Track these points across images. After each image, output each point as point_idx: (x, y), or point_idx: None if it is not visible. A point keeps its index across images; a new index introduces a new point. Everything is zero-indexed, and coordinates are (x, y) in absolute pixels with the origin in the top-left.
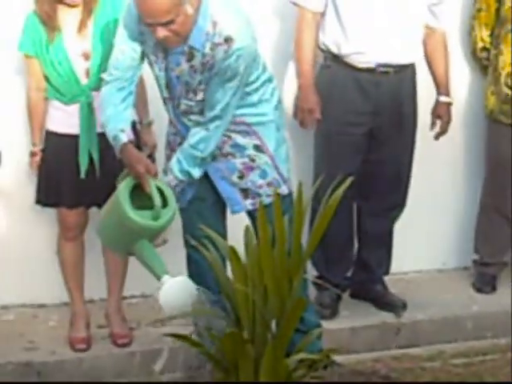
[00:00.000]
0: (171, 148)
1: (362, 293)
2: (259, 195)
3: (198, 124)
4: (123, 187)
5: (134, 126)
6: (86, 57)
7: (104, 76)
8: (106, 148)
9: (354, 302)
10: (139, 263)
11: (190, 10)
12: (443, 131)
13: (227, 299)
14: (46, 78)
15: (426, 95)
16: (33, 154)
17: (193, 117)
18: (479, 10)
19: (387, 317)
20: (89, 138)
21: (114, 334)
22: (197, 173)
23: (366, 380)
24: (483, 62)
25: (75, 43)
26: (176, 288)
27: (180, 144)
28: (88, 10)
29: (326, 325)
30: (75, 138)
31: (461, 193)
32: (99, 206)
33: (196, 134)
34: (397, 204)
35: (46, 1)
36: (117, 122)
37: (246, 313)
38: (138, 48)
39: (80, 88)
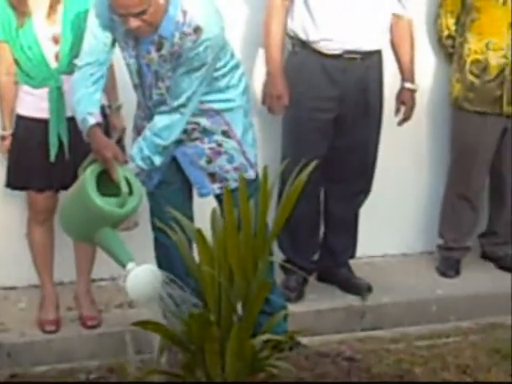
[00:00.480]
0: (138, 132)
1: (328, 276)
2: (226, 179)
3: (161, 112)
4: (89, 173)
5: (103, 109)
6: (56, 41)
7: (76, 61)
8: (76, 132)
9: (321, 286)
10: None
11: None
12: (407, 117)
13: (194, 281)
14: (16, 63)
15: (391, 82)
16: (3, 138)
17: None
18: None
19: (353, 300)
20: (58, 121)
21: (84, 316)
22: (158, 160)
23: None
24: (448, 50)
25: (45, 27)
26: (142, 276)
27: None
28: None
29: (293, 307)
30: (45, 122)
31: (425, 179)
32: (68, 189)
33: (159, 122)
34: (362, 189)
35: None
36: (86, 105)
37: (212, 295)
38: (109, 35)
39: (49, 72)
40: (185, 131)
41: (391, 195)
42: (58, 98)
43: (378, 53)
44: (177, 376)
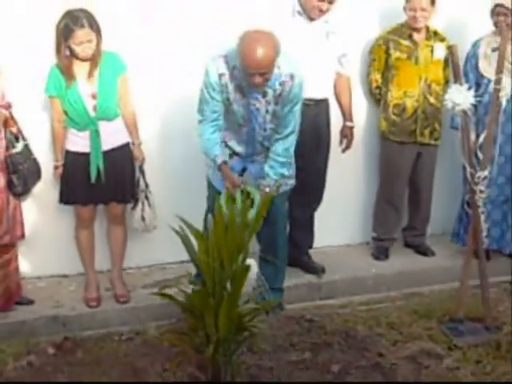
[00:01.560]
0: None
1: (294, 261)
2: (280, 184)
3: (277, 139)
4: (223, 194)
5: (128, 145)
6: (94, 96)
7: (198, 117)
8: (110, 162)
9: (288, 268)
10: (134, 245)
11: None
12: (347, 147)
13: (196, 267)
14: (65, 112)
15: (336, 121)
16: (56, 167)
17: (266, 142)
18: (373, 60)
19: (311, 278)
20: (97, 154)
21: (117, 295)
22: (286, 171)
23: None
24: (377, 97)
25: (86, 87)
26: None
27: (231, 155)
28: (95, 63)
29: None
30: (87, 155)
31: (362, 190)
32: (105, 203)
33: (279, 147)
34: (317, 198)
35: (65, 57)
36: (212, 150)
37: (208, 276)
38: (219, 97)
39: (90, 119)
40: (257, 153)
41: (338, 202)
42: (96, 138)
43: (326, 100)
44: (185, 334)
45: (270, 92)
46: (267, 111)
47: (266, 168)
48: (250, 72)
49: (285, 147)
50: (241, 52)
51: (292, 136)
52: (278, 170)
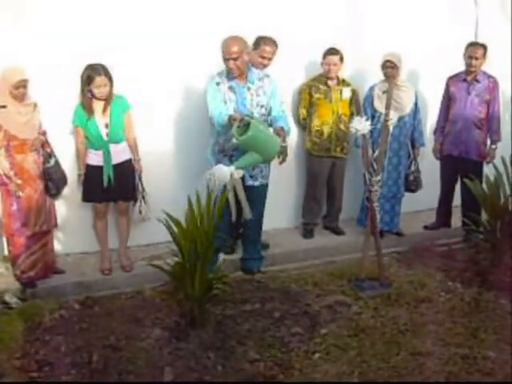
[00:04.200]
0: (220, 155)
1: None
2: (263, 177)
3: (276, 118)
4: (235, 124)
5: (130, 161)
6: (106, 126)
7: (211, 115)
8: (117, 172)
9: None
10: (135, 230)
11: (245, 57)
12: (284, 160)
13: (178, 246)
14: (86, 137)
15: None
16: (79, 176)
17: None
18: (301, 99)
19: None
20: (108, 167)
21: (124, 266)
22: (288, 128)
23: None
24: (303, 125)
25: (101, 119)
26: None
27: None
28: (108, 102)
29: (230, 257)
30: (101, 167)
31: (295, 190)
32: (114, 201)
33: (280, 119)
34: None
35: (86, 97)
36: (223, 118)
37: (186, 251)
38: (219, 96)
39: (103, 142)
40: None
41: (279, 199)
42: (108, 155)
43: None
44: (171, 293)
45: (252, 87)
46: (252, 100)
47: (277, 122)
48: (225, 57)
49: (284, 121)
50: (221, 44)
51: (283, 113)
52: (286, 123)
